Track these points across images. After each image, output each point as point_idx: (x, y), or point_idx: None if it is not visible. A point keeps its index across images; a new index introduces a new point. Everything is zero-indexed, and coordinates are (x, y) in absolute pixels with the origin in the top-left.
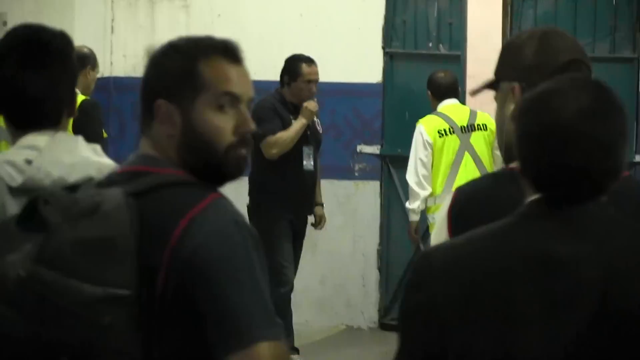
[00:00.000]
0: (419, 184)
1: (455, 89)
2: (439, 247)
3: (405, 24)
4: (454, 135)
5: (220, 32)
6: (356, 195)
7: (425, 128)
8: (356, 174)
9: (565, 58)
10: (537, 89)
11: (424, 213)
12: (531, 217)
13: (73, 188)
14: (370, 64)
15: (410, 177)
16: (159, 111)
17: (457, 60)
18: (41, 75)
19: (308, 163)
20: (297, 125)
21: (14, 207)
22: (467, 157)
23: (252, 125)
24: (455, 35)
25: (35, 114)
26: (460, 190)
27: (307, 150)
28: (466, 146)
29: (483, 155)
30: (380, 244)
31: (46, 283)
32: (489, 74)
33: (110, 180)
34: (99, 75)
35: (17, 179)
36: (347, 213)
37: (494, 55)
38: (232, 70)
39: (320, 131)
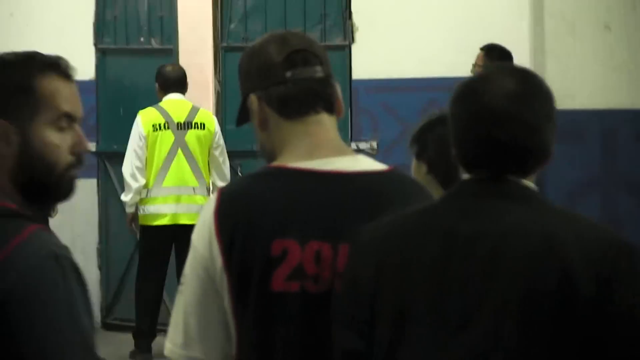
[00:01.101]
0: (133, 175)
1: (181, 84)
2: (372, 225)
3: (116, 19)
4: (169, 131)
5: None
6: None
7: (142, 120)
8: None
9: (282, 54)
10: (468, 78)
11: None
12: (453, 195)
13: None
14: (82, 60)
15: (124, 168)
16: None
17: (170, 53)
18: None
19: None
20: None
21: None
22: (179, 153)
23: (88, 145)
24: (166, 28)
25: None
26: (223, 191)
27: None
28: (180, 143)
29: (196, 154)
30: (100, 242)
31: None
32: (200, 65)
33: None
34: None
35: None
36: (65, 212)
37: (204, 46)
38: (67, 89)
39: None
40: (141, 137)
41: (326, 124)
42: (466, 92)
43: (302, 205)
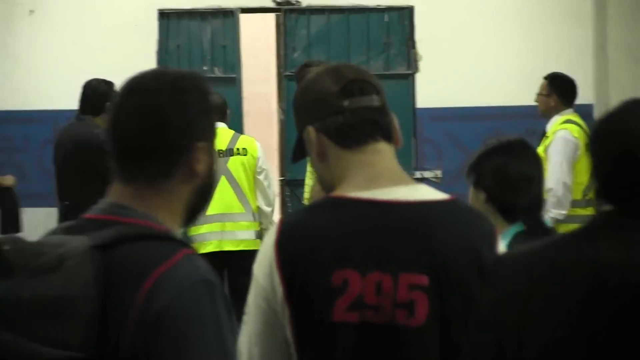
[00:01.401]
0: None
1: (221, 112)
2: (509, 254)
3: (179, 47)
4: (225, 158)
5: None
6: None
7: None
8: None
9: (338, 84)
10: (606, 113)
11: None
12: (597, 227)
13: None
14: None
15: None
16: (193, 157)
17: (233, 82)
18: None
19: None
20: None
21: None
22: (223, 180)
23: None
24: (229, 57)
25: None
26: (283, 222)
27: None
28: (222, 170)
29: (240, 179)
30: None
31: (2, 344)
32: (263, 94)
33: (79, 228)
34: None
35: None
36: None
37: (267, 74)
38: None
39: None
40: None
41: (385, 152)
42: (609, 129)
43: (361, 236)
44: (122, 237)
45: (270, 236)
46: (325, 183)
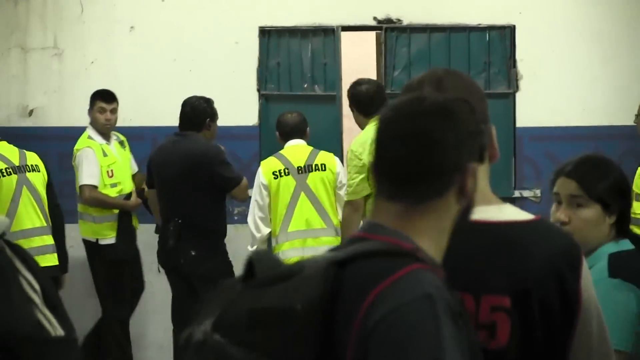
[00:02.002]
0: (256, 225)
1: (300, 130)
2: None
3: (279, 65)
4: (289, 176)
5: (93, 79)
6: (236, 239)
7: (262, 170)
8: (235, 217)
9: None
10: None
11: None
12: None
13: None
14: (246, 106)
15: (249, 219)
16: (465, 178)
17: (333, 100)
18: None
19: None
20: None
21: None
22: (302, 197)
23: None
24: (330, 75)
25: None
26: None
27: None
28: (302, 187)
29: (320, 195)
30: None
31: (216, 351)
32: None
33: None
34: None
35: None
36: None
37: None
38: None
39: None
40: (262, 186)
41: (478, 174)
42: None
43: (446, 255)
44: (359, 253)
45: None
46: None
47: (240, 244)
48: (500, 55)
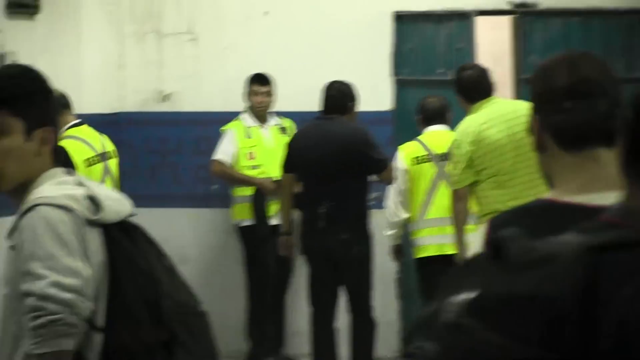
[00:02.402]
0: (395, 210)
1: (442, 115)
2: None
3: (413, 50)
4: (430, 163)
5: (228, 64)
6: (372, 223)
7: (402, 155)
8: (371, 203)
9: (567, 81)
10: None
11: None
12: None
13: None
14: (380, 91)
15: (388, 203)
16: None
17: None
18: None
19: None
20: None
21: (88, 238)
22: (442, 184)
23: None
24: (464, 60)
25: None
26: (493, 222)
27: None
28: (442, 174)
29: None
30: (398, 271)
31: (470, 335)
32: (502, 98)
33: (585, 228)
34: (110, 111)
35: (92, 214)
36: None
37: (505, 79)
38: None
39: None
40: (402, 171)
41: (603, 160)
42: None
43: None
44: (619, 241)
45: (480, 236)
46: (544, 174)
47: (377, 227)
48: (639, 40)
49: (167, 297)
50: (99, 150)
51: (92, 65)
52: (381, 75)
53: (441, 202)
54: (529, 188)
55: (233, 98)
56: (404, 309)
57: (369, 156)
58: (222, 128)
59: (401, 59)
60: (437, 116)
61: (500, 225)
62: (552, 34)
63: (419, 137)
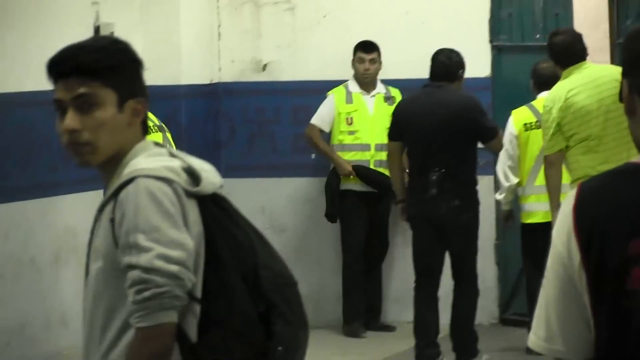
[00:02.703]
0: (504, 174)
1: (554, 80)
2: None
3: (511, 16)
4: (540, 130)
5: (326, 33)
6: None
7: (514, 120)
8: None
9: None
10: None
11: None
12: None
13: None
14: (479, 58)
15: (497, 167)
16: None
17: None
18: None
19: None
20: None
21: (187, 210)
22: None
23: None
24: (562, 25)
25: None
26: (583, 187)
27: None
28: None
29: None
30: (497, 238)
31: None
32: (599, 63)
33: None
34: (208, 81)
35: (191, 186)
36: None
37: (602, 44)
38: None
39: None
40: (512, 136)
41: None
42: None
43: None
44: None
45: (569, 202)
46: (634, 139)
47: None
48: None
49: (264, 268)
50: (156, 122)
51: (189, 36)
52: (479, 42)
53: None
54: (620, 152)
55: (331, 67)
56: (502, 275)
57: (480, 124)
58: (328, 93)
59: (499, 25)
60: (549, 81)
61: (589, 188)
62: None
63: (532, 103)
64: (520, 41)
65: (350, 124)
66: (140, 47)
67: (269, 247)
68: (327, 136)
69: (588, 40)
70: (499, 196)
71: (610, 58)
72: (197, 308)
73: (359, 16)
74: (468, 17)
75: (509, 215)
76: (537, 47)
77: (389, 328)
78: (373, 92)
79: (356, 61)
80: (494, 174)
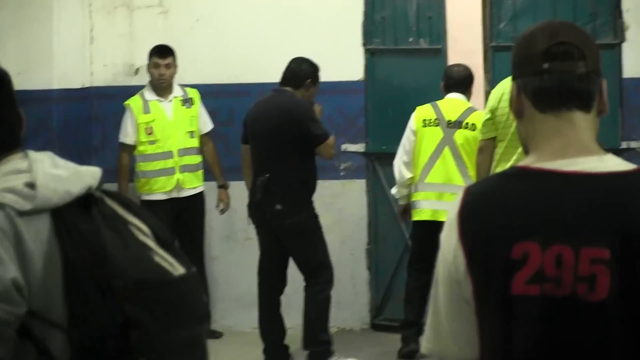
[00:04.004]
0: (399, 169)
1: (464, 84)
2: None
3: (384, 19)
4: (438, 128)
5: (199, 37)
6: (342, 195)
7: (415, 116)
8: (342, 173)
9: (545, 44)
10: None
11: None
12: None
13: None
14: (352, 61)
15: (395, 161)
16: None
17: (438, 53)
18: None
19: None
20: None
21: (28, 230)
22: (446, 151)
23: None
24: (435, 28)
25: (8, 139)
26: (468, 191)
27: None
28: (448, 141)
29: (463, 153)
30: (369, 243)
31: None
32: (470, 65)
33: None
34: (80, 86)
35: (26, 204)
36: (334, 213)
37: (474, 46)
38: None
39: None
40: (411, 131)
41: (578, 122)
42: None
43: (543, 208)
44: None
45: (455, 204)
46: (521, 140)
47: (347, 199)
48: (606, 6)
49: (118, 276)
50: None
51: (62, 40)
52: (352, 45)
53: (443, 168)
54: (510, 154)
55: (204, 71)
56: (374, 280)
57: (306, 129)
58: (125, 103)
59: (373, 28)
60: (458, 85)
61: (475, 192)
62: (521, 1)
63: (437, 102)
64: (393, 44)
65: (150, 133)
66: (12, 51)
67: (134, 250)
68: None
69: (461, 43)
70: (394, 191)
71: (484, 60)
72: (58, 332)
73: (232, 20)
74: (341, 20)
75: (404, 210)
76: (411, 50)
77: (215, 334)
78: (170, 97)
79: (151, 66)
80: (366, 177)
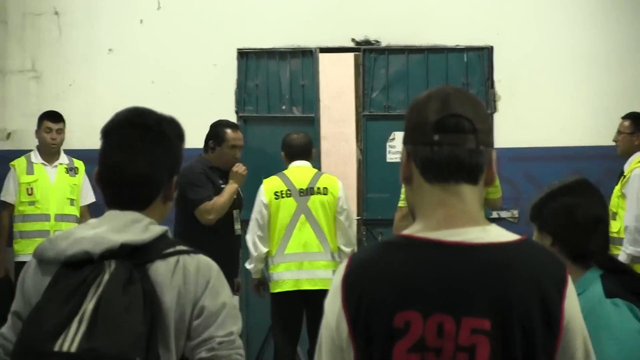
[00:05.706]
0: (254, 244)
1: (306, 151)
2: None
3: (257, 87)
4: (291, 198)
5: (72, 101)
6: None
7: (264, 189)
8: None
9: (438, 115)
10: None
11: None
12: None
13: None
14: None
15: (247, 236)
16: None
17: (311, 121)
18: (138, 158)
19: (238, 227)
20: (230, 189)
21: (42, 278)
22: (302, 219)
23: None
24: (308, 97)
25: (127, 195)
26: (353, 259)
27: (236, 214)
28: (302, 209)
29: (320, 219)
30: (240, 308)
31: None
32: (342, 134)
33: None
34: None
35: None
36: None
37: (347, 115)
38: None
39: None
40: (263, 205)
41: (465, 195)
42: None
43: (425, 277)
44: None
45: (340, 272)
46: (409, 205)
47: None
48: (478, 76)
49: (17, 344)
50: None
51: None
52: (225, 113)
53: (300, 237)
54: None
55: (76, 134)
56: (245, 345)
57: (183, 193)
58: (10, 163)
59: (245, 96)
60: (301, 152)
61: (359, 261)
62: (394, 71)
63: (283, 172)
64: (266, 112)
65: (31, 194)
66: None
67: (49, 316)
68: None
69: (333, 111)
70: (249, 266)
71: (356, 129)
72: None
73: (105, 84)
74: (215, 87)
75: (259, 283)
76: (284, 118)
77: None
78: (56, 163)
79: (43, 131)
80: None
